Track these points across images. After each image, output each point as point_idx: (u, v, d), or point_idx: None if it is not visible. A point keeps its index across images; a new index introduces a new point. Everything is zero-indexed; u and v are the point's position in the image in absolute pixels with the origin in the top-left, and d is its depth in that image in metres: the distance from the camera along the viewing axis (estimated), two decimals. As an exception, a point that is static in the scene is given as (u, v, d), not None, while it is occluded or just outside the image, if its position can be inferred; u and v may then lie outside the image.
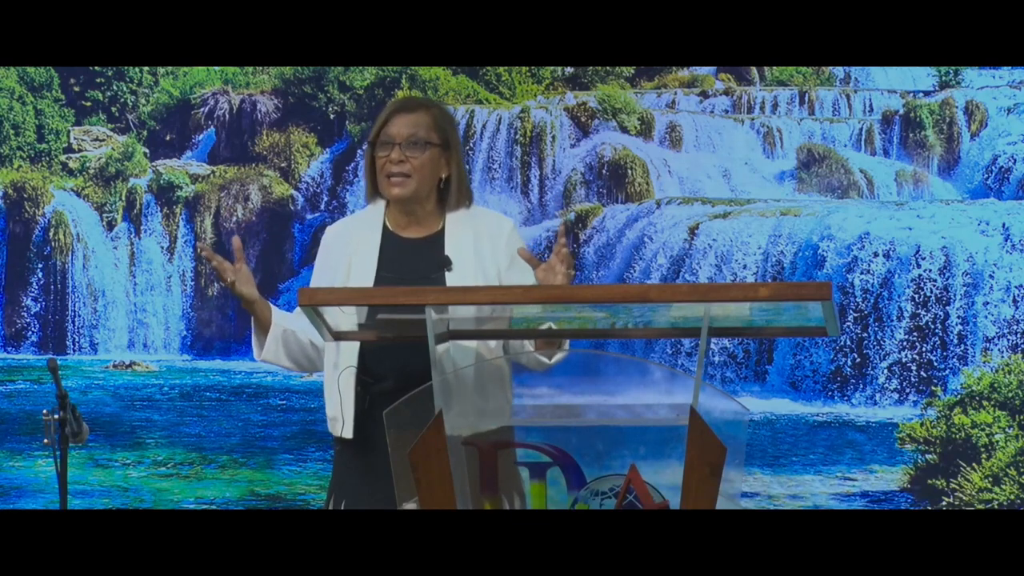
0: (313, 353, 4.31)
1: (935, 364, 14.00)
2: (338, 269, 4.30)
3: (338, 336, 4.05)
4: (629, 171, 16.66)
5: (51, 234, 17.50)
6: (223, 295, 17.55)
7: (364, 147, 4.39)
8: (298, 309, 4.30)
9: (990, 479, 11.43)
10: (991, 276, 14.03)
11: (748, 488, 12.12)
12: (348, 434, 4.23)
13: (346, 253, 4.31)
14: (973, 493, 11.43)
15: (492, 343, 4.20)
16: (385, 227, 4.32)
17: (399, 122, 4.26)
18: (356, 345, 4.19)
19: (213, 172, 17.96)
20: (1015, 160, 16.35)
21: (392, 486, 3.88)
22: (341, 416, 4.24)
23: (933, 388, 13.36)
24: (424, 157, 4.24)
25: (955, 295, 14.07)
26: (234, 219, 17.42)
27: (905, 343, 14.11)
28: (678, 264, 15.25)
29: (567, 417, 3.93)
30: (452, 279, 4.23)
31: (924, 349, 14.08)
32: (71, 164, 17.97)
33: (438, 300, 3.77)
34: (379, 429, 4.10)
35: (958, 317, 14.03)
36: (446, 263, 4.24)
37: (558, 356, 4.11)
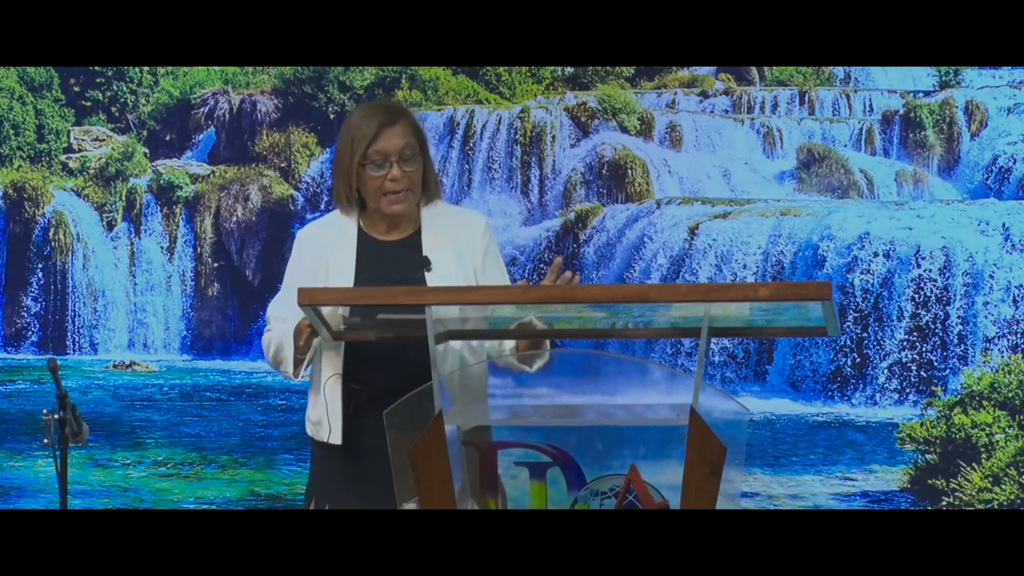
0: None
1: (935, 364, 14.00)
2: (315, 274, 4.28)
3: (337, 336, 4.05)
4: (629, 171, 16.66)
5: (51, 234, 17.50)
6: (223, 295, 17.55)
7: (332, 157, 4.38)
8: (273, 314, 4.33)
9: (990, 479, 11.43)
10: (991, 276, 14.02)
11: (748, 488, 12.12)
12: (336, 440, 4.22)
13: (322, 257, 4.30)
14: (973, 493, 11.43)
15: (474, 343, 4.20)
16: (360, 230, 4.31)
17: (389, 136, 4.23)
18: (341, 351, 4.19)
19: (213, 172, 17.96)
20: (1015, 160, 16.34)
21: (380, 492, 3.88)
22: (327, 422, 4.23)
23: (933, 388, 13.36)
24: (417, 168, 4.25)
25: (955, 295, 14.07)
26: (234, 219, 17.43)
27: (905, 343, 14.11)
28: (678, 264, 15.25)
29: (567, 417, 3.93)
30: (432, 280, 4.23)
31: (924, 349, 14.08)
32: (71, 164, 17.97)
33: (438, 300, 3.77)
34: (365, 435, 4.11)
35: (958, 317, 14.03)
36: (426, 264, 4.24)
37: (538, 364, 4.10)
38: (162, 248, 17.69)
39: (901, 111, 16.99)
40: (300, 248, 4.37)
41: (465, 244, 4.28)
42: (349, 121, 4.29)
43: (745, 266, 15.03)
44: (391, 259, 4.27)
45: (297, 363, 4.26)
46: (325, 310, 4.00)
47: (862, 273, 14.41)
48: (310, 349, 4.22)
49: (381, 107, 4.29)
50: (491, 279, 4.29)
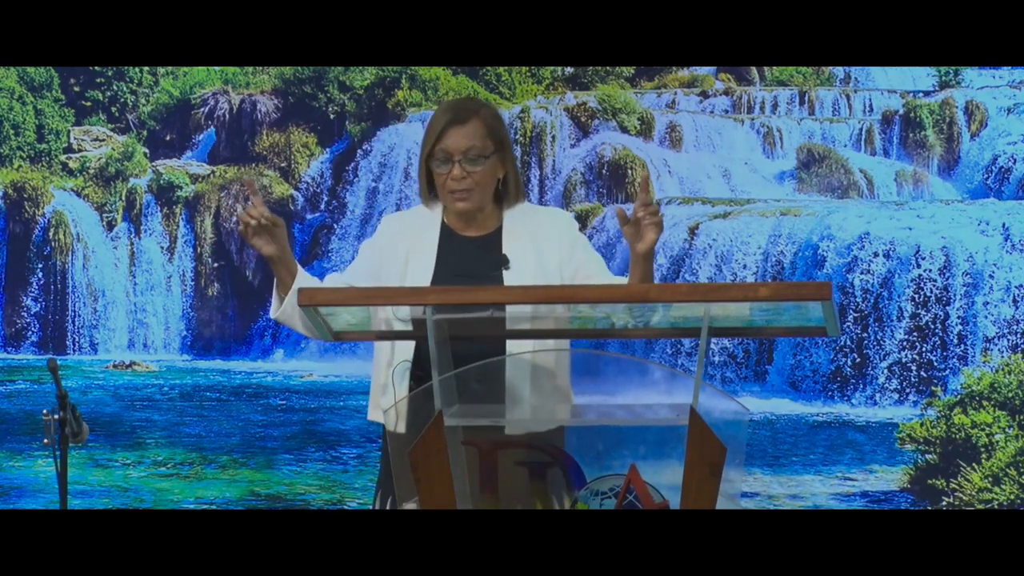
0: None
1: (935, 364, 14.00)
2: (394, 263, 4.28)
3: (338, 336, 4.04)
4: (629, 171, 16.67)
5: (51, 234, 17.50)
6: (223, 295, 17.55)
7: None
8: (329, 277, 4.33)
9: (990, 479, 11.43)
10: (991, 276, 14.03)
11: (748, 488, 12.12)
12: (402, 428, 4.18)
13: (403, 248, 4.29)
14: (973, 493, 11.43)
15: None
16: (443, 224, 4.31)
17: (454, 136, 4.21)
18: (411, 340, 4.18)
19: (213, 172, 17.97)
20: (1015, 160, 16.35)
21: None
22: (395, 409, 4.21)
23: (933, 388, 13.36)
24: (484, 169, 4.23)
25: (955, 295, 14.08)
26: (234, 219, 17.44)
27: (905, 343, 14.11)
28: (678, 264, 15.26)
29: (567, 417, 3.93)
30: (510, 277, 4.22)
31: (924, 349, 14.09)
32: (71, 164, 17.97)
33: (438, 300, 3.77)
34: None
35: (958, 317, 14.03)
36: (504, 262, 4.24)
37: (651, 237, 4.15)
38: (162, 248, 17.70)
39: (901, 111, 17.00)
40: (381, 233, 4.37)
41: (549, 242, 4.27)
42: (431, 116, 4.31)
43: (745, 266, 15.04)
44: (471, 255, 4.26)
45: (277, 298, 4.29)
46: (386, 308, 3.97)
47: (862, 273, 14.41)
48: (288, 291, 4.24)
49: (455, 105, 4.28)
50: (588, 270, 4.27)
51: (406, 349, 4.20)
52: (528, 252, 4.25)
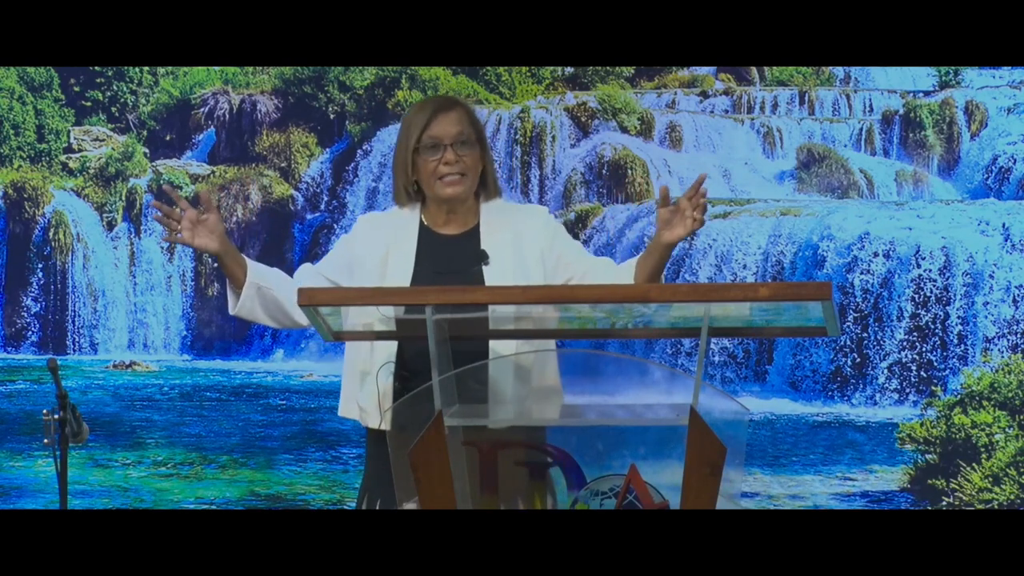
0: (290, 310, 4.29)
1: (935, 364, 14.00)
2: (371, 262, 4.28)
3: (338, 336, 4.04)
4: (629, 171, 16.66)
5: (51, 234, 17.50)
6: (223, 295, 17.55)
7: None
8: (303, 267, 4.33)
9: (990, 479, 11.43)
10: (991, 276, 14.03)
11: (748, 488, 12.12)
12: (387, 425, 4.18)
13: (381, 247, 4.30)
14: (973, 493, 11.43)
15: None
16: (422, 223, 4.32)
17: (443, 122, 4.26)
18: (393, 341, 4.18)
19: (213, 172, 17.96)
20: (1015, 160, 16.35)
21: None
22: (379, 410, 4.21)
23: (933, 388, 13.36)
24: (474, 154, 4.27)
25: (955, 295, 14.07)
26: (234, 219, 17.44)
27: (905, 343, 14.11)
28: (678, 264, 15.25)
29: (567, 417, 3.93)
30: (489, 273, 4.23)
31: (924, 349, 14.08)
32: (71, 164, 17.97)
33: (438, 300, 3.77)
34: None
35: (958, 317, 14.03)
36: (483, 257, 4.25)
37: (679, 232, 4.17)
38: (162, 248, 17.69)
39: (901, 111, 17.00)
40: (359, 231, 4.37)
41: (527, 236, 4.29)
42: (405, 116, 4.34)
43: (745, 266, 15.03)
44: (450, 252, 4.28)
45: (233, 294, 4.30)
46: (370, 308, 3.97)
47: (862, 273, 14.41)
48: (243, 286, 4.25)
49: (435, 99, 4.37)
50: (569, 257, 4.30)
51: (388, 349, 4.20)
52: (507, 247, 4.27)
